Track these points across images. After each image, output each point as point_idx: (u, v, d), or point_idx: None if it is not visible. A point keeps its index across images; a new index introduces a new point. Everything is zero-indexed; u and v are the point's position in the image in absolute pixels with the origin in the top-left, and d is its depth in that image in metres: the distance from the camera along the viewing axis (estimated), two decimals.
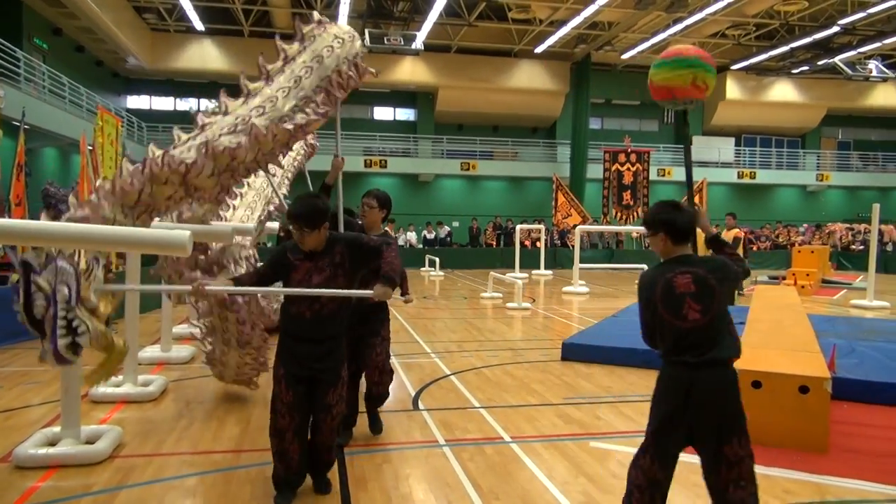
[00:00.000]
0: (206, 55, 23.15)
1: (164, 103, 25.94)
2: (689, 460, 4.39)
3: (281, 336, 3.61)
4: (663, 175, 26.58)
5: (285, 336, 3.59)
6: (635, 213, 22.46)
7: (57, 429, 4.45)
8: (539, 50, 24.28)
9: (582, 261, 16.10)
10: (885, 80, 24.98)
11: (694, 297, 2.80)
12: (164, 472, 4.10)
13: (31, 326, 3.10)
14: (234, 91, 4.25)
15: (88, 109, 17.94)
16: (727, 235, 11.87)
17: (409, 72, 25.02)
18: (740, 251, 11.44)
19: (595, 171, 24.17)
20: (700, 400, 2.77)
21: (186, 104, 25.56)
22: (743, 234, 11.68)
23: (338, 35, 4.41)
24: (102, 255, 3.32)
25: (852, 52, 22.96)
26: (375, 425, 4.72)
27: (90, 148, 11.30)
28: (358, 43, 4.50)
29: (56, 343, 3.01)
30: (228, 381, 5.78)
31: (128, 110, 23.50)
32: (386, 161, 25.31)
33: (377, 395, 4.63)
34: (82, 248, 3.30)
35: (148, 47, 22.72)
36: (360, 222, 4.68)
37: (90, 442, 4.38)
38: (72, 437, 4.36)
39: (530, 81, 26.10)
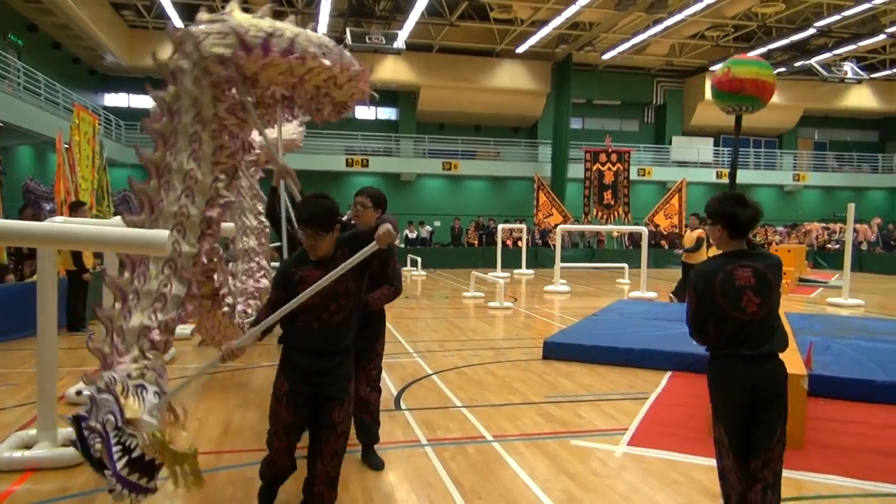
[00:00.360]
0: None
1: (142, 101, 25.64)
2: (668, 457, 4.44)
3: (285, 350, 3.34)
4: (643, 175, 26.77)
5: (290, 350, 3.30)
6: (616, 213, 22.65)
7: (33, 431, 4.40)
8: (520, 50, 24.35)
9: (563, 260, 16.18)
10: (859, 81, 25.40)
11: (754, 291, 2.88)
12: None
13: (96, 469, 2.83)
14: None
15: (65, 107, 17.68)
16: (690, 236, 11.89)
17: (391, 71, 24.97)
18: (703, 252, 11.48)
19: (576, 170, 24.32)
20: (762, 392, 2.87)
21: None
22: (705, 234, 11.77)
23: (189, 53, 3.30)
24: (149, 380, 3.00)
25: (828, 54, 23.30)
26: (375, 461, 4.28)
27: (66, 146, 11.15)
28: (207, 44, 3.24)
29: (115, 468, 2.73)
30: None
31: (105, 108, 23.19)
32: (368, 160, 25.24)
33: (367, 408, 4.24)
34: (63, 248, 3.22)
35: (126, 44, 22.44)
36: (343, 219, 4.52)
37: (67, 444, 4.33)
38: (48, 439, 4.31)
39: (512, 81, 26.16)
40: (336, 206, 3.26)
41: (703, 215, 12.94)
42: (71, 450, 4.21)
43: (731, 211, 2.99)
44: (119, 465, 2.74)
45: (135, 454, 2.77)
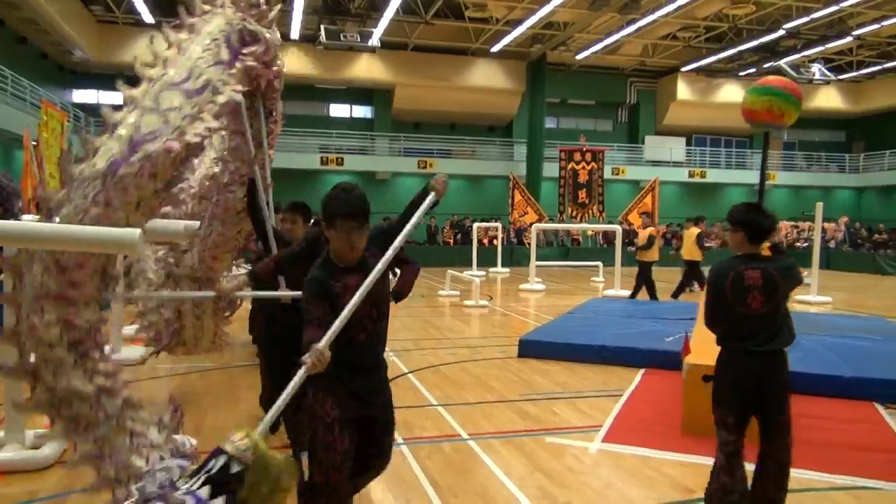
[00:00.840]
0: None
1: (112, 98, 25.21)
2: (641, 453, 4.49)
3: (326, 372, 2.68)
4: (617, 174, 27.00)
5: (335, 367, 2.69)
6: (590, 211, 22.82)
7: (0, 433, 4.30)
8: (495, 49, 24.40)
9: (538, 258, 16.25)
10: (827, 82, 25.87)
11: (760, 290, 3.21)
12: None
13: None
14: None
15: (32, 103, 17.33)
16: (643, 234, 12.25)
17: (366, 69, 24.86)
18: (655, 250, 11.99)
19: (551, 169, 24.44)
20: (769, 383, 3.22)
21: None
22: (657, 232, 12.34)
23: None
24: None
25: (797, 56, 23.71)
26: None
27: (34, 143, 10.93)
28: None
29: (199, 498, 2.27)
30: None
31: (74, 104, 22.78)
32: (343, 159, 25.11)
33: None
34: (30, 246, 3.10)
35: (95, 40, 22.04)
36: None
37: (35, 447, 4.25)
38: (16, 441, 4.22)
39: (487, 80, 26.21)
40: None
41: (649, 215, 13.51)
42: (41, 452, 4.14)
43: (754, 219, 3.34)
44: (203, 493, 2.29)
45: (216, 468, 2.36)
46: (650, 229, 12.20)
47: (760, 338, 3.20)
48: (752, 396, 3.22)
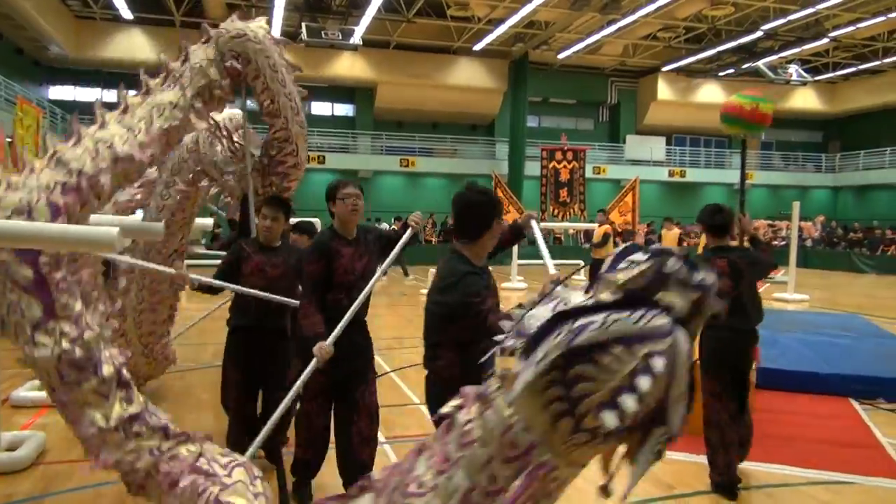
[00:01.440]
0: (134, 44, 22.25)
1: (89, 94, 24.84)
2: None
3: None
4: (599, 173, 27.12)
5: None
6: (572, 210, 22.90)
7: None
8: (478, 48, 24.41)
9: (520, 257, 16.30)
10: (804, 83, 26.20)
11: (728, 276, 3.79)
12: (90, 478, 3.91)
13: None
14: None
15: (7, 100, 17.05)
16: (598, 231, 12.42)
17: (348, 67, 24.76)
18: (610, 246, 12.03)
19: (533, 168, 24.53)
20: (743, 356, 3.94)
21: (113, 95, 24.55)
22: (611, 229, 12.69)
23: None
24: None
25: (774, 57, 23.98)
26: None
27: (9, 140, 10.76)
28: None
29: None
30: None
31: (50, 101, 22.43)
32: (324, 157, 24.97)
33: (362, 463, 3.55)
34: (3, 245, 3.04)
35: (72, 35, 21.71)
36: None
37: (11, 449, 4.19)
38: None
39: (469, 79, 26.22)
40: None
41: (605, 212, 13.71)
42: (17, 454, 4.07)
43: (704, 218, 4.10)
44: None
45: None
46: (605, 226, 12.39)
47: (736, 317, 3.74)
48: (731, 364, 3.89)
